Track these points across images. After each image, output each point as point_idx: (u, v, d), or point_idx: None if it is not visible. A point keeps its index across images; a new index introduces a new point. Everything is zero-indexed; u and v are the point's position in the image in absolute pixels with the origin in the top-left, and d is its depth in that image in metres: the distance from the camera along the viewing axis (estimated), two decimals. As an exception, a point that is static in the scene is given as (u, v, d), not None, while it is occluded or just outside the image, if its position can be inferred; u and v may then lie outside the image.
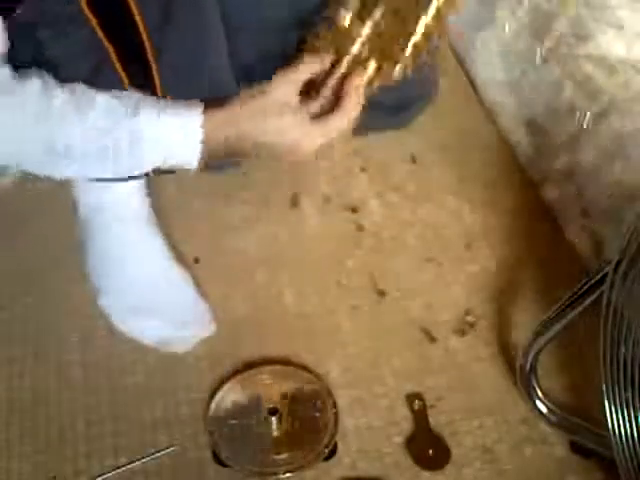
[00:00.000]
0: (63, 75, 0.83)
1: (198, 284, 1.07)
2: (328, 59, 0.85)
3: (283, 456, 0.91)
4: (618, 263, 0.77)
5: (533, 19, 1.33)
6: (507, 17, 1.36)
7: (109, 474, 0.90)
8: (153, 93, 0.85)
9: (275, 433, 0.93)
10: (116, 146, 0.80)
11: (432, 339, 1.04)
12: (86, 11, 0.79)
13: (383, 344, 1.03)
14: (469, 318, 1.05)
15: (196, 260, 1.11)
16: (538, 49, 1.29)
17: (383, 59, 0.88)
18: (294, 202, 1.19)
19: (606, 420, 0.81)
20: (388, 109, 1.14)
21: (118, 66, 0.83)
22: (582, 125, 1.17)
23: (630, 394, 0.78)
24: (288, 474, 0.90)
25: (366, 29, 0.86)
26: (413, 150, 1.26)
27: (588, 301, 0.84)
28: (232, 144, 0.83)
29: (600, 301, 0.80)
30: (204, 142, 0.81)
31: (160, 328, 1.01)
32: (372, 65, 0.88)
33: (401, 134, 1.26)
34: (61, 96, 0.79)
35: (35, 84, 0.78)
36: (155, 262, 1.05)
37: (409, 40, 0.88)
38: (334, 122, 0.84)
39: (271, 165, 1.24)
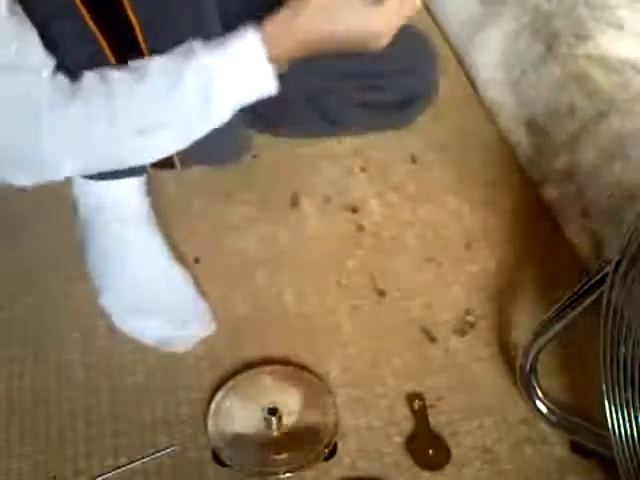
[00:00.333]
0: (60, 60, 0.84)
1: (198, 284, 1.07)
2: None
3: (283, 456, 0.91)
4: (618, 263, 0.77)
5: (533, 19, 1.33)
6: (507, 17, 1.37)
7: (109, 474, 0.90)
8: None
9: (275, 433, 0.93)
10: (188, 94, 0.80)
11: (432, 339, 1.04)
12: (78, 3, 0.80)
13: (383, 344, 1.03)
14: (469, 318, 1.05)
15: (196, 260, 1.11)
16: (538, 49, 1.30)
17: None
18: (294, 202, 1.19)
19: (606, 420, 0.81)
20: (388, 109, 1.15)
21: (112, 59, 0.84)
22: (582, 125, 1.17)
23: (630, 394, 0.78)
24: (288, 474, 0.90)
25: None
26: (413, 150, 1.26)
27: (588, 301, 0.84)
28: (302, 45, 0.82)
29: (600, 301, 0.80)
30: (270, 54, 0.80)
31: (160, 328, 1.01)
32: None
33: (401, 134, 1.26)
34: (116, 75, 0.79)
35: (89, 77, 0.79)
36: (155, 262, 1.05)
37: None
38: (392, 5, 0.82)
39: (271, 165, 1.24)
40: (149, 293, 1.03)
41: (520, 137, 1.26)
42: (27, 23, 0.79)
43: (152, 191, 1.11)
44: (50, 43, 0.82)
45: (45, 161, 0.81)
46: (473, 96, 1.36)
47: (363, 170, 1.24)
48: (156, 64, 0.80)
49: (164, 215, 1.13)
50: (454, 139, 1.28)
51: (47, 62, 0.80)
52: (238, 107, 0.84)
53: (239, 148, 1.05)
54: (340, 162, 1.25)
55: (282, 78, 1.09)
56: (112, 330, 1.02)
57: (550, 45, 1.28)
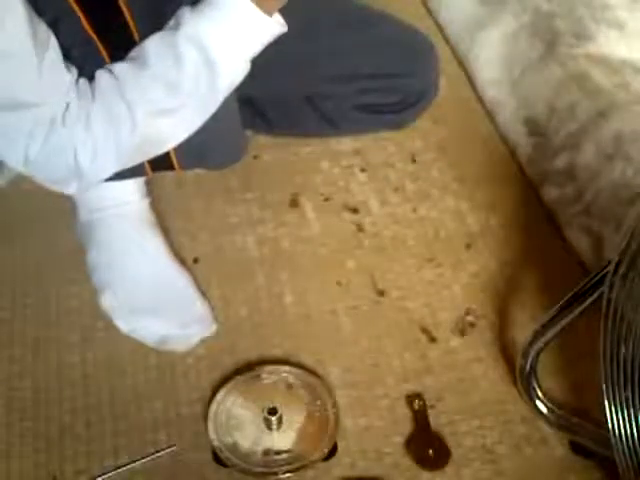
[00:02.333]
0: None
1: (198, 284, 1.07)
2: None
3: (283, 456, 0.91)
4: (618, 263, 0.77)
5: (533, 19, 1.33)
6: (507, 17, 1.37)
7: (109, 474, 0.90)
8: None
9: (275, 433, 0.93)
10: (190, 66, 0.80)
11: (432, 339, 1.04)
12: (75, 7, 0.80)
13: (383, 344, 1.03)
14: (469, 318, 1.05)
15: (196, 260, 1.11)
16: (538, 49, 1.30)
17: None
18: (294, 202, 1.19)
19: (606, 420, 0.81)
20: (389, 110, 1.15)
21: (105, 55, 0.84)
22: (582, 125, 1.17)
23: (630, 394, 0.78)
24: (288, 474, 0.90)
25: None
26: (413, 150, 1.26)
27: (588, 301, 0.84)
28: None
29: (600, 301, 0.80)
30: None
31: (160, 328, 1.01)
32: None
33: (401, 134, 1.26)
34: (120, 68, 0.81)
35: (100, 75, 0.81)
36: (155, 262, 1.05)
37: None
38: None
39: (271, 165, 1.24)
40: (149, 293, 1.03)
41: (520, 137, 1.26)
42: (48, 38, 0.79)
43: (152, 191, 1.11)
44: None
45: (85, 170, 0.83)
46: (473, 96, 1.36)
47: (363, 170, 1.24)
48: (152, 47, 0.81)
49: (164, 215, 1.13)
50: (454, 139, 1.28)
51: (72, 71, 0.81)
52: (250, 56, 0.84)
53: (237, 151, 1.05)
54: (340, 162, 1.25)
55: (283, 77, 1.10)
56: (112, 330, 1.02)
57: (550, 45, 1.28)
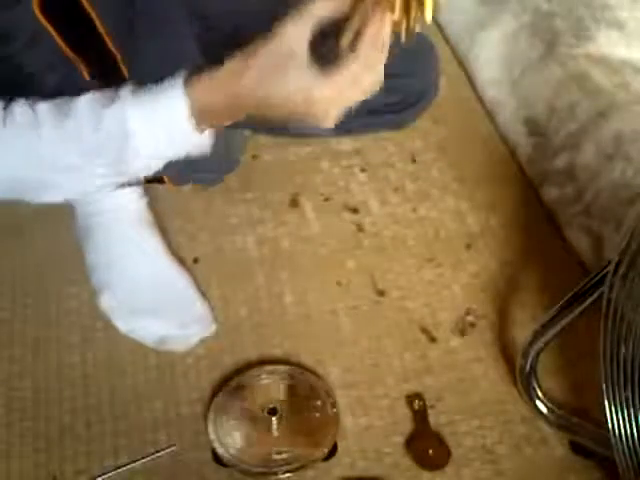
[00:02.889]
0: (34, 87, 0.83)
1: (198, 284, 1.07)
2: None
3: (283, 456, 0.91)
4: (618, 263, 0.77)
5: (533, 19, 1.33)
6: (507, 17, 1.37)
7: (109, 474, 0.90)
8: None
9: (275, 433, 0.93)
10: (107, 139, 0.75)
11: (432, 339, 1.04)
12: (46, 24, 0.79)
13: (383, 344, 1.03)
14: (469, 318, 1.05)
15: (196, 260, 1.11)
16: (538, 49, 1.29)
17: None
18: (294, 202, 1.19)
19: (606, 420, 0.81)
20: (389, 110, 1.14)
21: (86, 74, 0.83)
22: (582, 125, 1.17)
23: (630, 394, 0.78)
24: (288, 474, 0.90)
25: None
26: (413, 150, 1.26)
27: (588, 301, 0.84)
28: (230, 107, 0.75)
29: (600, 301, 0.80)
30: (193, 111, 0.74)
31: (160, 328, 1.01)
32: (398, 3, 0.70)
33: (401, 134, 1.26)
34: (43, 106, 0.76)
35: (20, 105, 0.76)
36: (154, 262, 1.05)
37: None
38: (347, 69, 0.71)
39: (271, 165, 1.24)
40: (148, 294, 1.03)
41: (520, 137, 1.26)
42: None
43: (151, 191, 1.11)
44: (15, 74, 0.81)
45: None
46: (473, 96, 1.36)
47: (363, 170, 1.24)
48: (83, 104, 0.76)
49: (163, 215, 1.13)
50: (454, 139, 1.28)
51: None
52: (166, 160, 0.79)
53: (227, 167, 1.04)
54: (340, 162, 1.25)
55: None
56: (112, 330, 1.02)
57: (550, 45, 1.28)
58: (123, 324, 1.02)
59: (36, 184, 0.80)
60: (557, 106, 1.22)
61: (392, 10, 0.70)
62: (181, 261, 1.08)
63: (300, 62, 0.71)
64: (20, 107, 0.76)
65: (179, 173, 0.93)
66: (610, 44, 1.25)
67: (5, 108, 0.77)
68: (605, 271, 0.80)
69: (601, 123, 1.15)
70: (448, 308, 1.07)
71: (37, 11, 0.78)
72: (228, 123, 0.78)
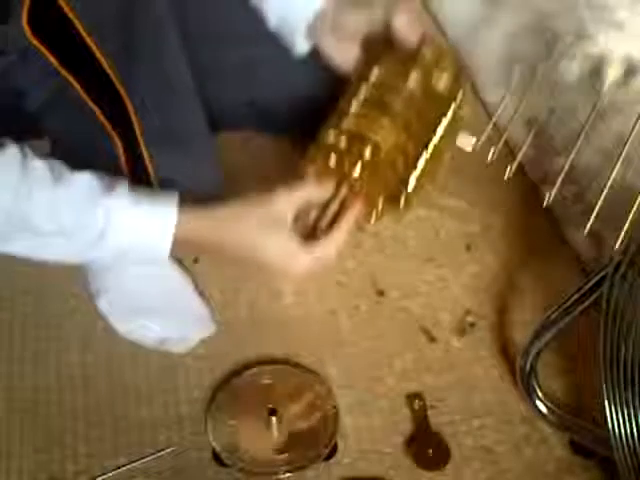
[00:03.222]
0: (30, 103, 0.83)
1: (198, 284, 1.07)
2: (329, 187, 0.83)
3: (283, 456, 0.91)
4: (618, 263, 0.77)
5: (533, 19, 1.33)
6: (507, 17, 1.36)
7: (109, 474, 0.90)
8: (127, 120, 0.85)
9: (275, 433, 0.93)
10: (83, 224, 0.78)
11: (432, 339, 1.04)
12: (36, 43, 0.79)
13: (383, 344, 1.03)
14: (469, 318, 1.06)
15: (196, 260, 1.11)
16: (538, 49, 1.29)
17: (383, 192, 0.86)
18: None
19: (606, 420, 0.81)
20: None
21: (85, 96, 0.83)
22: (582, 125, 1.17)
23: (630, 394, 0.78)
24: (288, 474, 0.90)
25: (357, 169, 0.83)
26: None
27: (588, 301, 0.84)
28: (207, 248, 0.82)
29: (600, 301, 0.80)
30: (176, 238, 0.80)
31: (159, 329, 1.01)
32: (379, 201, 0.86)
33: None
34: (40, 166, 0.77)
35: (12, 153, 0.76)
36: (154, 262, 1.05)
37: (409, 175, 0.87)
38: (321, 249, 0.82)
39: (270, 165, 1.24)
40: (149, 293, 1.03)
41: (520, 137, 1.26)
42: None
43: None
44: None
45: None
46: (473, 96, 1.36)
47: (363, 170, 1.24)
48: (78, 182, 0.78)
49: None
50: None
51: None
52: (124, 257, 0.82)
53: (216, 185, 1.04)
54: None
55: (283, 80, 1.11)
56: (112, 331, 1.02)
57: (550, 45, 1.28)
58: (123, 325, 1.02)
59: (4, 228, 0.79)
60: (557, 106, 1.22)
61: (369, 205, 0.85)
62: (181, 261, 1.08)
63: (285, 231, 0.80)
64: (13, 149, 0.76)
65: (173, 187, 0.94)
66: (610, 44, 1.25)
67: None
68: (605, 271, 0.80)
69: (601, 123, 1.15)
70: (448, 308, 1.07)
71: (26, 28, 0.78)
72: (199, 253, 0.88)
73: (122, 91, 0.83)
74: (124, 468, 0.91)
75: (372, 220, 0.88)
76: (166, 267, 1.05)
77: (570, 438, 0.94)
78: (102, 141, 0.87)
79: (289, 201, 0.81)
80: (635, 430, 0.79)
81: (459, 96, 0.92)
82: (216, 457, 0.91)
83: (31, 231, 0.78)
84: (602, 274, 0.81)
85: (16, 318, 1.05)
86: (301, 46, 0.97)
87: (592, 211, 1.09)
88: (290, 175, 0.83)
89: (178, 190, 0.83)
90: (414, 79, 0.86)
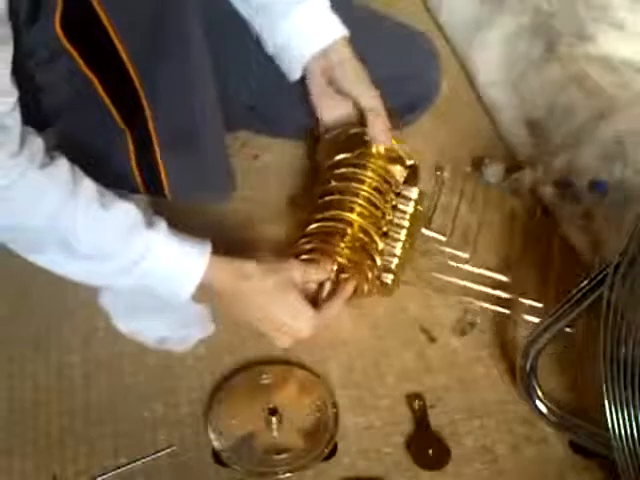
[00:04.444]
0: (48, 100, 0.84)
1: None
2: (333, 271, 0.97)
3: (283, 456, 0.91)
4: (618, 263, 0.77)
5: (533, 19, 1.33)
6: (507, 17, 1.37)
7: (109, 474, 0.90)
8: (144, 125, 0.87)
9: (275, 433, 0.93)
10: (119, 252, 0.82)
11: (432, 339, 1.04)
12: (67, 45, 0.80)
13: (383, 344, 1.03)
14: (469, 318, 1.05)
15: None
16: (538, 49, 1.30)
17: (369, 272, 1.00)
18: (292, 201, 1.19)
19: (606, 420, 0.81)
20: (391, 114, 1.14)
21: (105, 97, 0.84)
22: (582, 125, 1.17)
23: (630, 394, 0.79)
24: (288, 474, 0.90)
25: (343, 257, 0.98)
26: (413, 149, 1.26)
27: (588, 301, 0.84)
28: (225, 297, 0.89)
29: (600, 301, 0.80)
30: (201, 282, 0.85)
31: (160, 329, 1.01)
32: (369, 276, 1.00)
33: (401, 134, 1.26)
34: (90, 186, 0.80)
35: (65, 166, 0.79)
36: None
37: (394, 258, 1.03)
38: (326, 311, 0.94)
39: (271, 165, 1.24)
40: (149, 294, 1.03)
41: (520, 137, 1.26)
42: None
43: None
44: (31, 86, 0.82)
45: None
46: (473, 96, 1.36)
47: (363, 170, 1.24)
48: (124, 209, 0.82)
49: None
50: (454, 139, 1.28)
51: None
52: (144, 290, 0.87)
53: (230, 188, 1.05)
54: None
55: (283, 82, 1.12)
56: (112, 330, 1.02)
57: (550, 45, 1.28)
58: (123, 324, 1.02)
59: (32, 243, 0.83)
60: (557, 106, 1.22)
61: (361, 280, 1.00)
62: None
63: (296, 292, 0.91)
64: (66, 165, 0.79)
65: (183, 193, 0.95)
66: (610, 44, 1.25)
67: (51, 157, 0.79)
68: (605, 271, 0.80)
69: (601, 123, 1.15)
70: (448, 308, 1.07)
71: (59, 31, 0.79)
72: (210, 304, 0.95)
73: (141, 93, 0.84)
74: (124, 468, 0.91)
75: (363, 295, 1.02)
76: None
77: (570, 438, 0.94)
78: (114, 141, 0.87)
79: (300, 274, 0.92)
80: (635, 430, 0.79)
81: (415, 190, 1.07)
82: (216, 457, 0.91)
83: (65, 247, 0.81)
84: (602, 274, 0.81)
85: (16, 318, 1.05)
86: (295, 75, 1.06)
87: (592, 212, 1.10)
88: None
89: (189, 194, 0.86)
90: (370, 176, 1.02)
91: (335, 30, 1.03)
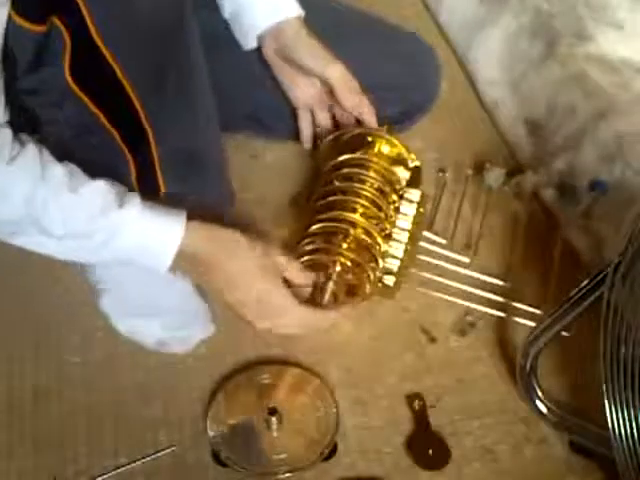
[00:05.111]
0: (48, 130, 0.85)
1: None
2: (323, 275, 0.97)
3: (283, 456, 0.91)
4: (618, 264, 0.77)
5: (533, 19, 1.33)
6: (507, 17, 1.37)
7: (109, 474, 0.90)
8: (147, 152, 0.88)
9: (275, 433, 0.93)
10: (92, 231, 0.81)
11: (432, 339, 1.04)
12: (77, 91, 0.81)
13: (383, 344, 1.03)
14: (469, 318, 1.05)
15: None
16: (538, 49, 1.29)
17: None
18: (294, 202, 1.19)
19: (606, 420, 0.81)
20: (390, 119, 1.14)
21: (111, 129, 0.85)
22: (582, 125, 1.17)
23: (630, 394, 0.79)
24: (288, 474, 0.90)
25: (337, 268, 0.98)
26: (413, 150, 1.26)
27: (588, 301, 0.84)
28: (206, 266, 0.87)
29: (600, 301, 0.80)
30: (179, 251, 0.84)
31: (160, 328, 1.01)
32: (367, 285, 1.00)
33: (401, 134, 1.26)
34: (59, 173, 0.80)
35: (32, 152, 0.79)
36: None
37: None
38: (314, 316, 0.94)
39: (271, 165, 1.24)
40: (149, 293, 1.03)
41: (520, 137, 1.26)
42: None
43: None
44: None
45: None
46: (473, 96, 1.36)
47: (363, 170, 1.24)
48: (94, 190, 0.81)
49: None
50: (454, 139, 1.28)
51: None
52: (127, 264, 0.86)
53: (226, 199, 1.05)
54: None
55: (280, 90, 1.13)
56: (112, 331, 1.02)
57: (550, 45, 1.28)
58: (123, 325, 1.02)
59: (12, 229, 0.82)
60: (557, 106, 1.22)
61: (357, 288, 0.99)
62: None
63: (279, 277, 0.91)
64: (32, 153, 0.78)
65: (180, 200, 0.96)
66: (610, 44, 1.25)
67: (20, 142, 0.79)
68: (605, 271, 0.80)
69: (601, 123, 1.15)
70: (448, 308, 1.07)
71: (69, 78, 0.80)
72: (184, 274, 0.93)
73: (146, 124, 0.85)
74: (124, 468, 0.91)
75: (364, 298, 1.01)
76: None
77: (570, 438, 0.94)
78: (117, 166, 0.88)
79: (289, 261, 0.92)
80: (635, 430, 0.79)
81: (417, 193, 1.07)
82: (216, 457, 0.91)
83: (40, 230, 0.81)
84: (602, 274, 0.81)
85: (16, 318, 1.05)
86: (250, 44, 1.07)
87: (592, 212, 1.10)
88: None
89: (187, 206, 0.86)
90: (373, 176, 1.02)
91: (290, 9, 1.04)
